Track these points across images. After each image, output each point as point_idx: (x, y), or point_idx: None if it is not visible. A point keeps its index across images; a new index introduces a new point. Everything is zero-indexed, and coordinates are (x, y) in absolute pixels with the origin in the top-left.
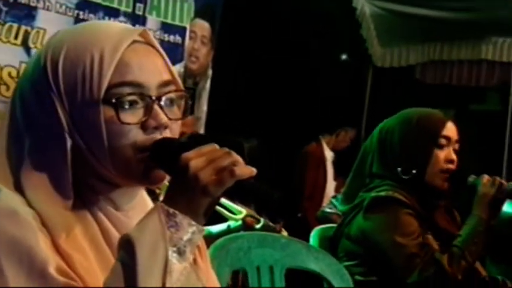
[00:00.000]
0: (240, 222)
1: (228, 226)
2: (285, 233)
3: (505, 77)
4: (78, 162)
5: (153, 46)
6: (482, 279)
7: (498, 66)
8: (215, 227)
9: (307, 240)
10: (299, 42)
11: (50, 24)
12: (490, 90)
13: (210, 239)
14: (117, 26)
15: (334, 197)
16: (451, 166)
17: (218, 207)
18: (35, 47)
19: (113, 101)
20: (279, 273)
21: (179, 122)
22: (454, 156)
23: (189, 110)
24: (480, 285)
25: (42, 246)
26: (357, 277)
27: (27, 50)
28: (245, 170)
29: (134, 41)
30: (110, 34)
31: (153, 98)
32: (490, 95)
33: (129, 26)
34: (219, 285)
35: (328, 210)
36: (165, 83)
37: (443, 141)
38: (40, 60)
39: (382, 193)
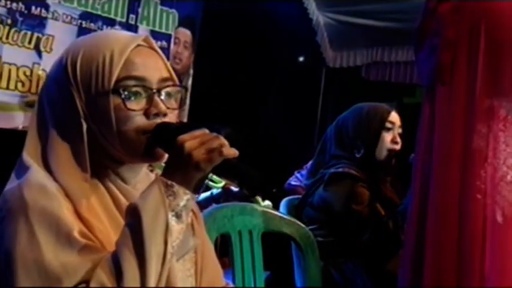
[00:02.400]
0: (220, 190)
1: (211, 193)
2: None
3: None
4: (93, 145)
5: (154, 49)
6: None
7: None
8: (199, 195)
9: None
10: (267, 46)
11: (58, 31)
12: (418, 86)
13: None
14: (125, 33)
15: (298, 172)
16: (396, 146)
17: None
18: (45, 51)
19: (120, 91)
20: (257, 236)
21: (176, 111)
22: (398, 139)
23: (184, 102)
24: None
25: (67, 214)
26: (318, 238)
27: (39, 53)
28: (231, 151)
29: (138, 45)
30: (119, 39)
31: (154, 90)
32: (418, 90)
33: (134, 33)
34: (210, 243)
35: (293, 182)
36: (165, 79)
37: (389, 125)
38: (62, 61)
39: (340, 169)
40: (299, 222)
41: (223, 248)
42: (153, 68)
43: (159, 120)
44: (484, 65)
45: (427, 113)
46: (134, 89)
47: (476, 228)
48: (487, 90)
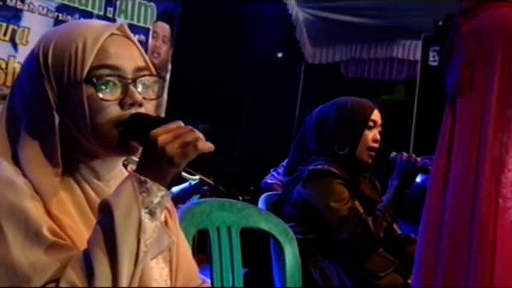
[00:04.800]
0: (197, 180)
1: (190, 183)
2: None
3: (412, 73)
4: (65, 138)
5: (129, 38)
6: (397, 236)
7: (406, 63)
8: (176, 188)
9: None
10: (246, 42)
11: (34, 24)
12: (397, 83)
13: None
14: (98, 22)
15: (274, 170)
16: (376, 145)
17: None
18: (21, 43)
19: (94, 80)
20: (235, 232)
21: (153, 102)
22: (378, 137)
23: (162, 92)
24: (396, 241)
25: (36, 211)
26: (297, 236)
27: (14, 45)
28: (206, 145)
29: (113, 34)
30: (92, 28)
31: (129, 80)
32: (397, 87)
33: (108, 22)
34: (185, 241)
35: (269, 181)
36: (140, 69)
37: (371, 123)
38: (34, 52)
39: (319, 166)
40: (278, 218)
41: (200, 244)
42: (128, 57)
43: (134, 110)
44: (500, 80)
45: (449, 122)
46: (108, 78)
47: (498, 230)
48: (505, 103)
